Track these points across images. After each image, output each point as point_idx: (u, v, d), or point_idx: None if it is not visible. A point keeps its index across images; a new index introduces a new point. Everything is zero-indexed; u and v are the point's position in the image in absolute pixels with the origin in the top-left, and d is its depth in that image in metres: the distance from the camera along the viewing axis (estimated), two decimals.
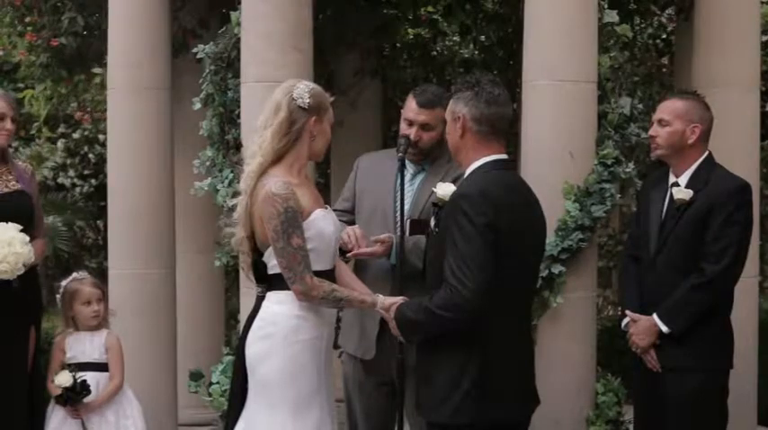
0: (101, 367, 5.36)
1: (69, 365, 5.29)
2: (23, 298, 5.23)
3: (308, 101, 4.12)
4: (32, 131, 11.12)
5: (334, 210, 4.55)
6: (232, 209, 4.33)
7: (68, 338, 5.38)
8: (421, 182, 4.76)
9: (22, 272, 5.10)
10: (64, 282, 5.48)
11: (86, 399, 5.24)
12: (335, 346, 4.36)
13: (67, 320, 5.43)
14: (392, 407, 4.64)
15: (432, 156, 4.77)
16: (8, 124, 5.30)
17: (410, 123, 4.71)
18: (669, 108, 4.77)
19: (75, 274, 5.54)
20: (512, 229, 3.79)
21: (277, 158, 4.12)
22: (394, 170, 4.68)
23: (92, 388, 5.25)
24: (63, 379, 5.23)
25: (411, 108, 4.72)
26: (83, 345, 5.37)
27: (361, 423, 4.90)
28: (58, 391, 5.23)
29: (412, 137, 4.69)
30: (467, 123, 3.92)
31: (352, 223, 4.81)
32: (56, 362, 5.33)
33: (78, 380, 5.22)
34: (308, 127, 4.14)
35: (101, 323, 5.43)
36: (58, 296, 5.48)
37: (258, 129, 4.19)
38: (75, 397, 5.21)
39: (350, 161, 5.23)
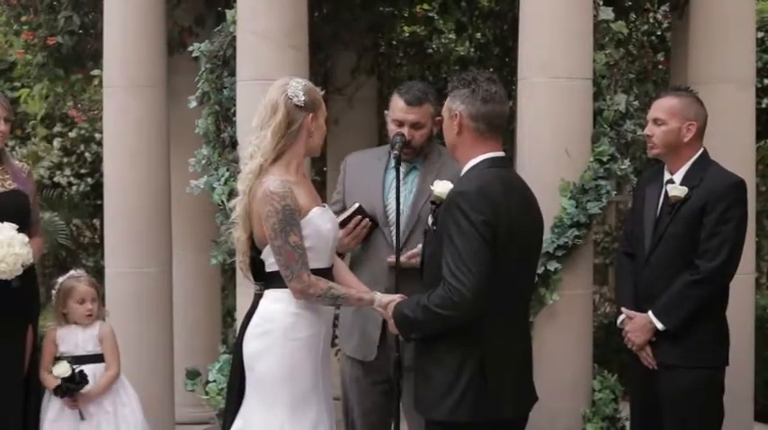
0: (95, 358, 5.34)
1: (64, 358, 5.29)
2: (22, 297, 5.23)
3: (303, 98, 4.13)
4: (28, 130, 11.09)
5: None
6: (231, 209, 4.33)
7: (60, 331, 5.34)
8: (415, 180, 4.71)
9: (20, 272, 5.10)
10: (60, 279, 5.47)
11: (84, 390, 5.24)
12: (333, 344, 4.34)
13: (59, 317, 5.38)
14: (389, 405, 4.63)
15: (423, 152, 4.73)
16: (2, 125, 5.29)
17: (400, 123, 4.65)
18: (664, 106, 4.75)
19: (72, 272, 5.51)
20: (509, 227, 3.79)
21: (276, 157, 4.12)
22: (381, 168, 4.65)
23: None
24: (61, 369, 5.20)
25: (399, 107, 4.66)
26: (75, 338, 5.33)
27: (358, 420, 4.89)
28: (56, 383, 5.20)
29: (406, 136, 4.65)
30: (463, 121, 3.92)
31: None
32: (48, 356, 5.30)
33: (76, 371, 5.21)
34: (305, 124, 4.14)
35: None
36: (53, 292, 5.46)
37: (254, 129, 4.19)
38: (73, 387, 5.20)
39: None
